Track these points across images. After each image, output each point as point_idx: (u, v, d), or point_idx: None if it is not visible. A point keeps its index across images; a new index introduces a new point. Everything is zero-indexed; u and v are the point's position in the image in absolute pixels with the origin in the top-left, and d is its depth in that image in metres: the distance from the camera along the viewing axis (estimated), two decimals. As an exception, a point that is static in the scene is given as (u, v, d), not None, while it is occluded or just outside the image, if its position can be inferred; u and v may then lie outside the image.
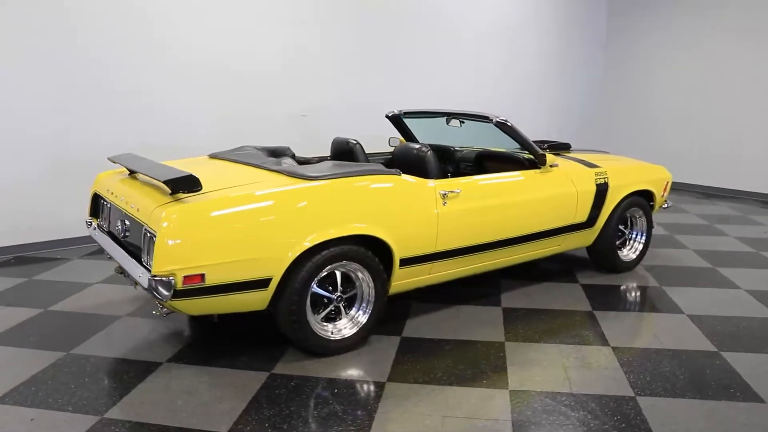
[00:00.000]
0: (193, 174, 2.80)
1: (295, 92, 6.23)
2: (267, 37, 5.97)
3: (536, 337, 3.44)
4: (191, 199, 2.81)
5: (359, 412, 2.63)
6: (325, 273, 3.10)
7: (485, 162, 4.51)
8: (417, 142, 5.00)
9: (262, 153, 3.96)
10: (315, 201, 3.02)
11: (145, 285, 2.69)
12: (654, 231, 5.95)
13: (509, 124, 3.98)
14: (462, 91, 7.57)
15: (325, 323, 3.18)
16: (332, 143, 4.41)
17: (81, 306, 3.80)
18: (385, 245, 3.24)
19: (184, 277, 2.69)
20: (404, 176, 3.38)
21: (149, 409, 2.62)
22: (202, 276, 2.73)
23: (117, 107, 5.19)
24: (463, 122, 4.30)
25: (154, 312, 2.87)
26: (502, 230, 3.75)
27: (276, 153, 4.19)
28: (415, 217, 3.34)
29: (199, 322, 3.58)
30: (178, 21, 5.40)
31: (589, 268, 4.72)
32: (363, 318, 3.26)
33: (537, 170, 4.03)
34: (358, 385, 2.87)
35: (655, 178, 4.76)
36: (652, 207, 4.81)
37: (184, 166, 3.59)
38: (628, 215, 4.67)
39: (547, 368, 3.06)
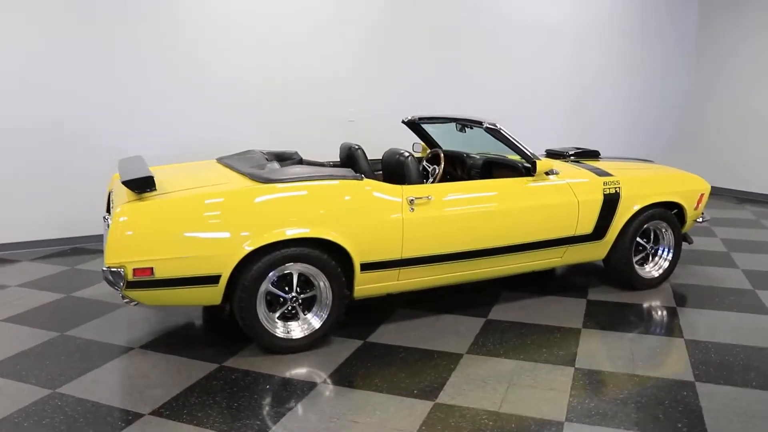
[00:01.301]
0: (150, 176, 3.04)
1: (343, 97, 6.40)
2: (315, 43, 6.20)
3: (500, 352, 3.31)
4: (149, 198, 3.05)
5: (275, 409, 2.71)
6: (280, 273, 3.22)
7: (493, 169, 4.39)
8: (437, 147, 4.98)
9: (262, 157, 4.14)
10: (264, 203, 3.15)
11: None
12: (709, 246, 5.42)
13: (499, 129, 3.87)
14: (518, 97, 7.34)
15: (280, 322, 3.29)
16: (339, 148, 4.52)
17: (98, 294, 4.23)
18: (344, 249, 3.29)
19: (134, 269, 2.94)
20: (368, 181, 3.41)
21: (95, 388, 2.89)
22: (151, 269, 2.96)
23: (179, 110, 5.68)
24: (470, 128, 4.22)
25: (125, 301, 3.14)
26: (481, 239, 3.64)
27: (282, 157, 4.38)
28: (377, 223, 3.35)
29: (208, 312, 3.84)
30: (231, 31, 5.80)
31: (608, 284, 4.42)
32: (316, 323, 3.33)
33: (530, 178, 3.86)
34: (291, 384, 2.95)
35: (684, 189, 4.35)
36: (682, 221, 4.40)
37: (178, 169, 3.90)
38: (651, 229, 4.31)
39: (488, 385, 2.94)
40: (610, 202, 4.03)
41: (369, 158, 4.42)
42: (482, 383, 2.95)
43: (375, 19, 6.44)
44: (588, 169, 4.22)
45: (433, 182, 4.38)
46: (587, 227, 3.98)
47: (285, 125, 6.18)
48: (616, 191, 4.05)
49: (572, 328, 3.64)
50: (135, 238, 2.95)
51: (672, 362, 3.17)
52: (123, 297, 3.07)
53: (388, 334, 3.56)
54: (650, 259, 4.38)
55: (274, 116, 6.13)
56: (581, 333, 3.56)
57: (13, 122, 5.14)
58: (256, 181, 3.27)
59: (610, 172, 4.21)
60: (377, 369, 3.12)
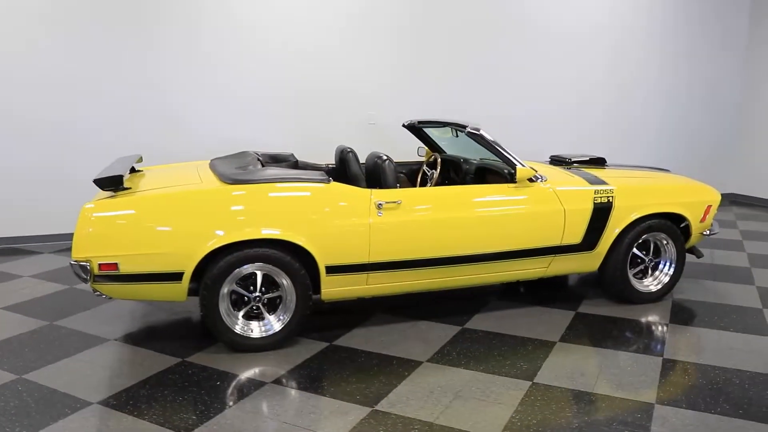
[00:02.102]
0: (119, 175, 3.17)
1: (368, 101, 6.43)
2: (341, 46, 6.27)
3: (462, 362, 3.24)
4: (119, 197, 3.19)
5: (215, 405, 2.77)
6: (246, 273, 3.28)
7: (486, 174, 4.30)
8: (440, 151, 4.93)
9: (254, 158, 4.21)
10: (226, 203, 3.22)
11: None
12: (731, 261, 5.08)
13: (481, 133, 3.79)
14: (553, 102, 7.13)
15: (242, 321, 3.35)
16: (335, 151, 4.55)
17: (99, 286, 4.44)
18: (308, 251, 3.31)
19: (100, 264, 3.08)
20: (335, 184, 3.41)
21: (58, 375, 3.04)
22: (116, 265, 3.10)
23: (202, 111, 5.90)
24: (459, 131, 4.15)
25: (96, 293, 3.29)
26: (453, 246, 3.57)
27: (277, 159, 4.46)
28: (342, 226, 3.35)
29: (187, 307, 3.97)
30: (265, 33, 5.97)
31: (605, 296, 4.22)
32: (276, 325, 3.37)
33: (511, 185, 3.75)
34: (241, 382, 3.00)
35: (688, 200, 4.10)
36: (687, 234, 4.15)
37: (168, 169, 4.03)
38: (651, 241, 4.08)
39: (433, 395, 2.89)
40: (602, 212, 3.85)
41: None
42: (428, 393, 2.89)
43: (402, 22, 6.43)
44: (582, 177, 4.05)
45: (430, 186, 4.34)
46: (575, 237, 3.83)
47: (308, 128, 6.26)
48: (608, 200, 3.87)
49: (548, 341, 3.51)
50: (100, 235, 3.08)
51: (638, 382, 3.00)
52: (93, 290, 3.22)
53: (356, 338, 3.55)
54: (649, 272, 4.15)
55: (296, 119, 6.23)
56: (555, 347, 3.42)
57: (45, 118, 5.48)
58: (224, 182, 3.34)
59: (605, 180, 4.03)
60: (331, 372, 3.12)
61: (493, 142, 3.79)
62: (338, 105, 6.36)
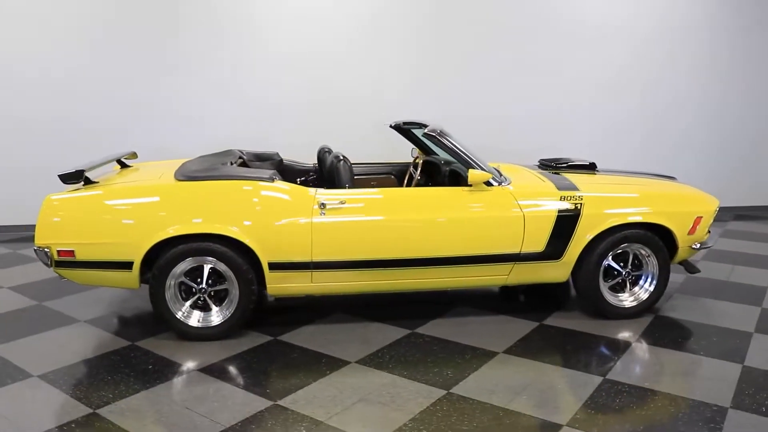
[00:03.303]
0: (80, 170, 3.43)
1: (389, 102, 6.46)
2: (362, 47, 6.35)
3: (390, 366, 3.22)
4: (81, 190, 3.46)
5: (131, 387, 2.94)
6: (194, 265, 3.45)
7: (458, 177, 4.21)
8: (427, 152, 4.88)
9: (235, 156, 4.37)
10: (171, 200, 3.41)
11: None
12: (748, 279, 4.65)
13: (436, 136, 3.74)
14: (582, 105, 6.81)
15: (184, 310, 3.50)
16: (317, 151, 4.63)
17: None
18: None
19: (58, 250, 3.36)
20: (278, 183, 3.50)
21: (17, 350, 3.36)
22: (73, 252, 3.36)
23: (222, 112, 6.22)
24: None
25: (62, 279, 3.58)
26: (399, 249, 3.55)
27: (261, 158, 4.62)
28: (284, 224, 3.43)
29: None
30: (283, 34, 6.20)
31: (583, 309, 4.01)
32: (216, 317, 3.52)
33: (466, 188, 3.66)
34: (166, 367, 3.17)
35: (675, 210, 3.80)
36: (672, 246, 3.85)
37: (151, 166, 4.28)
38: (630, 252, 3.83)
39: (341, 395, 2.91)
40: (567, 219, 3.67)
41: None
42: (337, 393, 2.91)
43: (418, 22, 6.40)
44: (554, 182, 3.88)
45: (407, 187, 4.33)
46: (537, 245, 3.67)
47: (324, 130, 6.29)
48: (575, 207, 3.68)
49: (491, 351, 3.40)
50: (60, 223, 3.36)
51: (560, 402, 2.84)
52: (58, 274, 3.51)
53: (302, 335, 3.62)
54: (628, 286, 3.89)
55: (312, 120, 6.37)
56: (494, 358, 3.31)
57: (69, 119, 5.98)
58: (177, 179, 3.53)
59: (578, 186, 3.83)
60: (257, 365, 3.22)
61: (451, 144, 3.72)
62: (354, 106, 6.42)
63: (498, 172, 3.95)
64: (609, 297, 3.84)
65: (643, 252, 3.83)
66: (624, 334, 3.63)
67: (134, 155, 4.47)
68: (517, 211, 3.63)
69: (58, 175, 3.43)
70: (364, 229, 3.51)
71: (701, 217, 3.84)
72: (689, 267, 4.08)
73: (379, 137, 6.38)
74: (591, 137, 6.84)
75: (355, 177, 4.76)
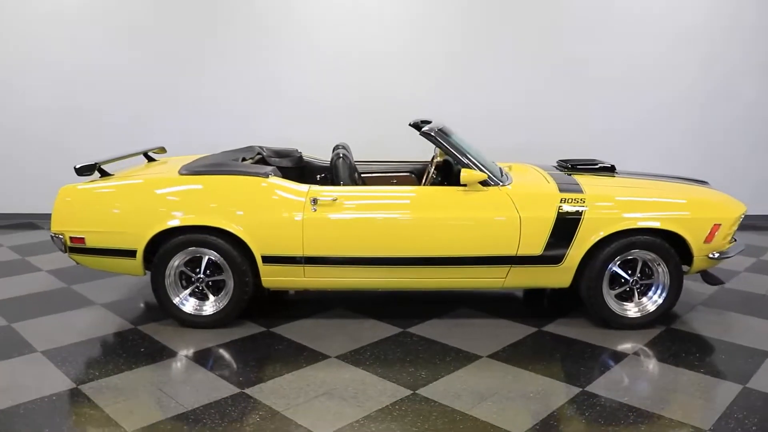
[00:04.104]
0: (92, 164, 3.67)
1: (429, 102, 6.41)
2: (402, 46, 6.36)
3: (367, 363, 3.23)
4: (96, 181, 3.71)
5: (122, 366, 3.13)
6: (192, 256, 3.62)
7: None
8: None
9: (253, 152, 4.50)
10: (170, 192, 3.59)
11: (57, 241, 3.71)
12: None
13: (433, 135, 3.69)
14: (631, 107, 6.46)
15: (181, 297, 3.67)
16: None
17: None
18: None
19: (71, 237, 3.62)
20: (272, 179, 3.59)
21: (33, 326, 3.65)
22: (84, 239, 3.62)
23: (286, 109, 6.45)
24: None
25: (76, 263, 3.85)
26: (390, 247, 3.54)
27: (280, 154, 4.75)
28: (276, 219, 3.52)
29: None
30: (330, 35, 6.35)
31: (588, 318, 3.82)
32: (209, 306, 3.66)
33: (461, 188, 3.58)
34: (159, 351, 3.35)
35: (689, 216, 3.55)
36: (686, 255, 3.60)
37: (173, 159, 4.51)
38: (640, 260, 3.62)
39: (305, 388, 2.95)
40: (567, 222, 3.51)
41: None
42: (304, 386, 2.96)
43: (462, 21, 6.32)
44: (558, 183, 3.73)
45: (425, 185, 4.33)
46: (534, 248, 3.54)
47: (366, 130, 6.35)
48: (576, 210, 3.52)
49: (475, 354, 3.32)
50: (72, 212, 3.62)
51: (525, 411, 2.74)
52: (72, 259, 3.78)
53: (295, 328, 3.69)
54: (636, 296, 3.67)
55: (354, 120, 6.43)
56: (476, 362, 3.23)
57: (124, 118, 6.39)
58: (180, 173, 3.70)
59: (583, 188, 3.65)
60: (239, 354, 3.34)
61: (447, 144, 3.66)
62: (391, 105, 6.41)
63: (501, 171, 3.85)
64: (613, 306, 3.64)
65: (653, 260, 3.60)
66: (624, 346, 3.43)
67: (162, 150, 4.73)
68: (513, 212, 3.52)
69: (74, 167, 3.69)
70: (355, 227, 3.53)
71: (719, 224, 3.56)
72: (709, 278, 3.79)
73: (414, 135, 6.38)
74: (629, 135, 6.49)
75: (376, 175, 4.80)
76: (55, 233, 3.64)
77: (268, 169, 3.73)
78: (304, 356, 3.30)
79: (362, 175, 4.79)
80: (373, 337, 3.55)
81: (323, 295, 4.22)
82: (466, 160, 3.62)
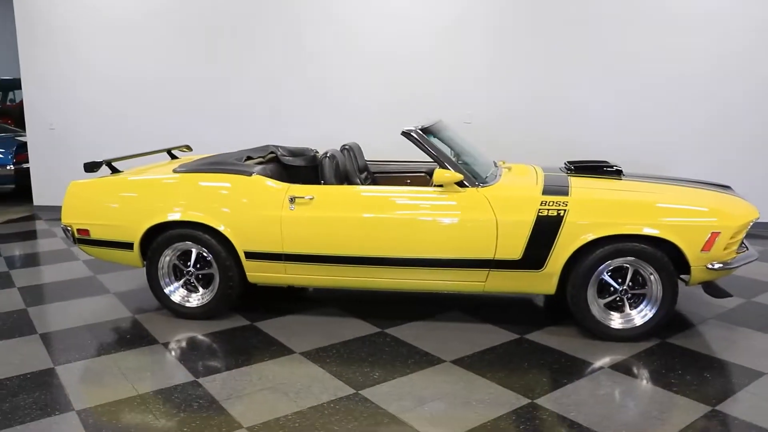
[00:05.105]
0: (99, 162, 3.96)
1: (466, 100, 6.35)
2: (439, 44, 6.33)
3: (327, 361, 3.24)
4: (104, 178, 4.00)
5: (102, 351, 3.36)
6: (183, 250, 3.81)
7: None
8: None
9: (264, 151, 4.64)
10: (166, 190, 3.81)
11: (68, 233, 4.05)
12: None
13: (412, 134, 3.64)
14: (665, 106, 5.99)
15: (176, 288, 3.87)
16: None
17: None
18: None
19: (78, 229, 3.93)
20: (256, 177, 3.69)
21: (46, 311, 4.00)
22: (88, 231, 3.92)
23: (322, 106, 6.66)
24: None
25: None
26: (366, 246, 3.53)
27: (294, 153, 4.86)
28: (256, 216, 3.64)
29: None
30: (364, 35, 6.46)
31: (580, 328, 3.61)
32: (194, 300, 3.84)
33: (437, 189, 3.51)
34: (145, 339, 3.55)
35: (683, 223, 3.26)
36: (683, 266, 3.31)
37: (186, 157, 4.76)
38: (631, 268, 3.37)
39: (254, 381, 3.02)
40: (546, 226, 3.34)
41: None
42: (254, 379, 3.03)
43: (501, 18, 6.16)
44: (546, 186, 3.55)
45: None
46: (513, 252, 3.39)
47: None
48: (557, 214, 3.33)
49: (439, 359, 3.23)
50: (79, 206, 3.93)
51: (451, 419, 2.64)
52: (81, 249, 4.09)
53: (277, 323, 3.77)
54: (627, 306, 3.42)
55: (392, 118, 6.43)
56: (437, 366, 3.15)
57: (164, 118, 6.80)
58: (174, 171, 3.91)
59: (571, 191, 3.45)
60: (212, 345, 3.47)
61: (426, 143, 3.59)
62: (434, 105, 6.37)
63: (495, 172, 3.74)
64: (599, 315, 3.42)
65: (647, 271, 3.34)
66: (603, 359, 3.20)
67: (188, 148, 5.01)
68: (490, 214, 3.40)
69: (83, 164, 4.01)
70: (330, 225, 3.56)
71: (718, 232, 3.23)
72: (715, 290, 3.45)
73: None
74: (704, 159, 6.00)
75: (392, 174, 4.80)
76: (64, 225, 3.97)
77: (258, 168, 3.85)
78: (270, 350, 3.38)
79: (375, 175, 4.82)
80: (347, 336, 3.56)
81: (324, 293, 4.28)
82: (442, 160, 3.54)
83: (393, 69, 6.39)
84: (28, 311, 4.01)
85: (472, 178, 3.53)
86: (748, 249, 3.50)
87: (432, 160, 3.60)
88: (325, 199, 3.60)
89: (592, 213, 3.33)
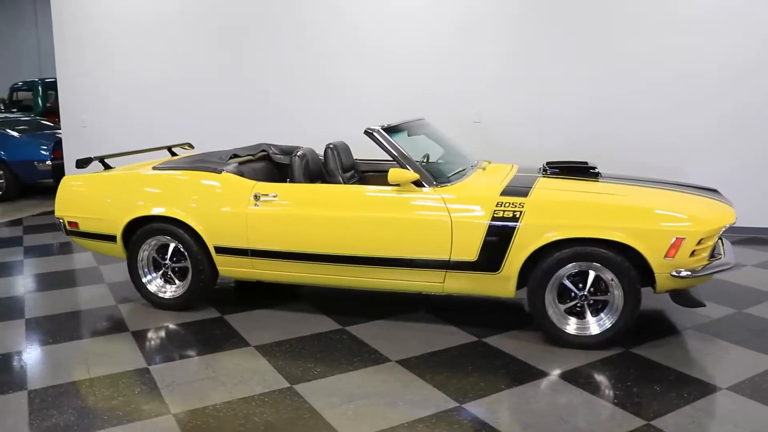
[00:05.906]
0: (88, 158, 4.18)
1: (476, 99, 6.28)
2: (450, 44, 6.29)
3: (277, 355, 3.31)
4: (94, 173, 4.23)
5: (74, 338, 3.56)
6: (162, 243, 3.98)
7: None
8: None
9: (254, 149, 4.75)
10: (143, 186, 3.98)
11: (63, 225, 4.30)
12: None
13: (373, 134, 3.64)
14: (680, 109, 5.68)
15: (154, 278, 4.03)
16: None
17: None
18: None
19: (68, 221, 4.17)
20: (225, 174, 3.80)
21: (38, 299, 4.25)
22: (77, 223, 4.14)
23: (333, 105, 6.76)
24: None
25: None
26: (324, 244, 3.57)
27: (286, 151, 4.96)
28: (222, 212, 3.74)
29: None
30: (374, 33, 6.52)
31: (544, 332, 3.51)
32: (168, 292, 3.99)
33: (394, 188, 3.49)
34: (117, 327, 3.73)
35: (644, 227, 3.11)
36: (647, 273, 3.16)
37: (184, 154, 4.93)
38: (592, 273, 3.25)
39: (202, 370, 3.11)
40: (501, 228, 3.26)
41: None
42: (200, 369, 3.13)
43: (513, 17, 6.05)
44: (509, 186, 3.47)
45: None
46: (468, 253, 3.34)
47: None
48: (513, 215, 3.25)
49: (386, 358, 3.23)
50: (69, 200, 4.17)
51: (373, 417, 2.63)
52: (73, 240, 4.33)
53: (245, 318, 3.85)
54: (588, 313, 3.29)
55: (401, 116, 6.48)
56: (380, 365, 3.15)
57: (190, 118, 7.05)
58: (154, 168, 4.07)
59: (531, 192, 3.36)
60: (178, 335, 3.61)
61: (386, 142, 3.58)
62: (443, 103, 6.33)
63: (454, 171, 3.69)
64: (556, 321, 3.31)
65: (609, 277, 3.21)
66: (552, 367, 3.09)
67: (190, 146, 5.20)
68: (445, 215, 3.36)
69: (75, 160, 4.24)
70: (291, 223, 3.62)
71: (683, 237, 3.06)
72: (685, 300, 3.27)
73: (466, 134, 6.20)
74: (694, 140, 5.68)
75: (382, 174, 4.79)
76: (58, 217, 4.22)
77: (231, 166, 3.96)
78: (230, 342, 3.47)
79: (366, 174, 4.83)
80: (305, 332, 3.61)
81: (301, 289, 4.34)
82: (401, 160, 3.52)
83: (400, 69, 6.38)
84: (24, 298, 4.28)
85: (429, 177, 3.49)
86: (723, 255, 3.30)
87: (390, 158, 3.60)
88: (287, 197, 3.66)
89: (549, 215, 3.23)
